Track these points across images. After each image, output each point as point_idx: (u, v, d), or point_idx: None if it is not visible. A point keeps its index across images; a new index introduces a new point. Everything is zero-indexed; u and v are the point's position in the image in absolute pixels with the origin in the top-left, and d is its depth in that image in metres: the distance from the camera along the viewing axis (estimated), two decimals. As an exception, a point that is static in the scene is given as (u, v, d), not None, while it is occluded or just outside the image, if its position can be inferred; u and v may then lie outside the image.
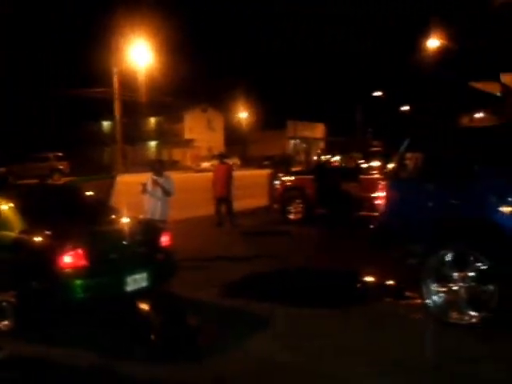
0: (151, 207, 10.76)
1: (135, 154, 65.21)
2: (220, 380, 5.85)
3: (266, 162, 47.89)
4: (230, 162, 16.61)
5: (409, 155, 8.41)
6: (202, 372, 6.07)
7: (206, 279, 9.71)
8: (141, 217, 9.53)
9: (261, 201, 19.57)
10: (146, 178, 11.05)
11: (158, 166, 11.19)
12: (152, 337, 7.34)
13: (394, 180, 8.16)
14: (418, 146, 8.29)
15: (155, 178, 10.86)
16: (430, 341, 6.89)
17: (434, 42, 32.80)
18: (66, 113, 62.18)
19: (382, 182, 8.39)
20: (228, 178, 15.67)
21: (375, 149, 18.55)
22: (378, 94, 65.71)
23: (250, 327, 7.42)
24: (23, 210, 7.79)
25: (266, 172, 21.99)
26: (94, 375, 6.09)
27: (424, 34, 33.15)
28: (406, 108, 69.84)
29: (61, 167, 42.47)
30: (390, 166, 8.70)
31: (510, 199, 6.95)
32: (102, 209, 8.78)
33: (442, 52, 32.99)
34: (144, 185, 10.79)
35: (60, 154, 44.06)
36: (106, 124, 71.21)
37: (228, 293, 9.09)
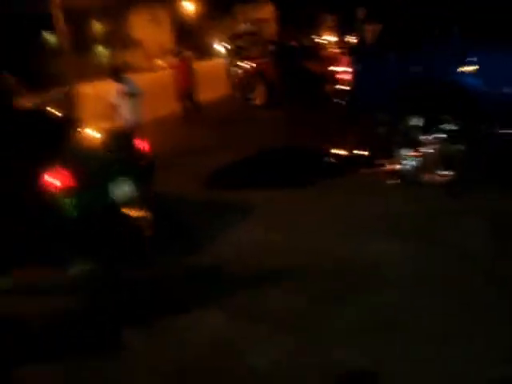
0: (126, 115, 10.76)
1: (85, 62, 63.48)
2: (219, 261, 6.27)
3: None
4: (185, 54, 16.32)
5: (368, 27, 8.48)
6: (201, 256, 6.44)
7: (184, 175, 9.92)
8: (111, 126, 9.57)
9: (222, 91, 19.51)
10: (108, 89, 10.88)
11: (116, 73, 11.10)
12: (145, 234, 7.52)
13: (357, 53, 8.27)
14: (377, 17, 8.35)
15: (119, 85, 10.80)
16: (411, 199, 7.28)
17: None
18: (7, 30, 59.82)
19: (346, 56, 8.49)
20: (189, 73, 15.62)
21: (330, 24, 18.43)
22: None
23: (235, 214, 7.78)
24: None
25: (221, 60, 21.76)
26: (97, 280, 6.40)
27: None
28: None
29: (15, 89, 41.38)
30: (350, 39, 8.74)
31: (469, 59, 7.12)
32: (72, 124, 8.78)
33: None
34: (114, 105, 10.74)
35: (6, 75, 42.81)
36: (50, 36, 68.84)
37: (207, 185, 9.37)
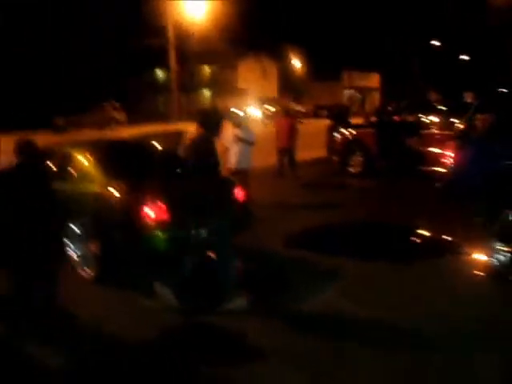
0: (234, 160, 10.99)
1: (189, 103, 65.51)
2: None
3: (320, 111, 47.70)
4: (299, 108, 16.74)
5: (479, 116, 8.47)
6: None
7: (270, 230, 10.02)
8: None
9: (319, 152, 19.70)
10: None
11: (237, 118, 11.41)
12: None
13: (463, 139, 8.28)
14: (489, 107, 8.35)
15: (235, 130, 11.04)
16: (497, 297, 7.08)
17: None
18: (122, 63, 62.58)
19: (451, 141, 8.50)
20: (291, 130, 15.91)
21: (435, 103, 18.38)
22: (435, 42, 64.25)
23: (315, 278, 7.76)
24: (103, 164, 8.20)
25: (323, 122, 22.03)
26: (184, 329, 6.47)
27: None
28: (465, 57, 68.11)
29: (117, 117, 42.98)
30: (460, 124, 8.74)
31: None
32: (175, 161, 9.09)
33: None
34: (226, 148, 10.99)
35: (116, 104, 44.56)
36: (160, 73, 71.49)
37: (291, 243, 9.42)
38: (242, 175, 10.62)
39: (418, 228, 9.89)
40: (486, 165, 7.85)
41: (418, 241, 9.37)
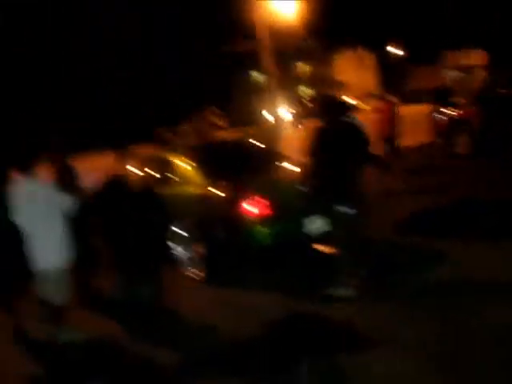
0: None
1: (288, 101, 65.73)
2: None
3: (423, 97, 46.52)
4: (390, 99, 16.17)
5: None
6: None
7: (378, 217, 9.74)
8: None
9: (424, 137, 19.14)
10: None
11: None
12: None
13: None
14: None
15: None
16: None
17: None
18: (217, 67, 63.61)
19: None
20: (393, 117, 15.49)
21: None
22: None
23: (425, 261, 7.58)
24: (203, 167, 8.29)
25: (426, 107, 21.39)
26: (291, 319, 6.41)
27: None
28: None
29: (219, 123, 43.46)
30: None
31: None
32: (275, 157, 9.09)
33: None
34: None
35: (216, 110, 45.18)
36: (255, 75, 72.14)
37: (401, 229, 9.18)
38: None
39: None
40: None
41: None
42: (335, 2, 54.67)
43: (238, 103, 65.18)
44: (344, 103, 6.96)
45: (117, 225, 6.21)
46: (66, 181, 7.32)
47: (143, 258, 6.13)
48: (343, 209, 6.50)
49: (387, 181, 13.36)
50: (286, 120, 12.20)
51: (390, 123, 15.39)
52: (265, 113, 42.84)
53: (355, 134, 6.69)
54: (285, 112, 33.45)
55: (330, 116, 6.70)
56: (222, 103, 50.11)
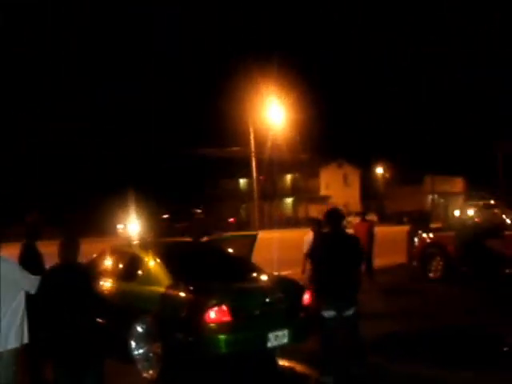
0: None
1: (271, 211, 66.37)
2: None
3: (404, 219, 47.17)
4: (369, 218, 16.46)
5: None
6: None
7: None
8: (280, 274, 9.65)
9: (399, 258, 19.23)
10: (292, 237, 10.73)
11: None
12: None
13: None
14: None
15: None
16: None
17: None
18: (205, 171, 64.58)
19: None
20: (369, 236, 15.56)
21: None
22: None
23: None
24: (168, 265, 8.21)
25: (404, 228, 21.64)
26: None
27: None
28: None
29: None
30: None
31: None
32: (243, 265, 9.03)
33: None
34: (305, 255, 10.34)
35: (199, 211, 45.57)
36: (242, 182, 73.16)
37: (372, 351, 8.99)
38: None
39: (506, 333, 9.36)
40: None
41: (507, 349, 8.81)
42: (327, 119, 56.39)
43: (222, 207, 65.76)
44: (343, 216, 7.99)
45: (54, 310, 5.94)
46: (32, 260, 7.20)
47: (79, 348, 5.85)
48: (349, 311, 7.27)
49: (360, 299, 13.33)
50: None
51: (367, 242, 15.46)
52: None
53: (356, 242, 7.97)
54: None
55: (334, 226, 7.65)
56: (207, 206, 50.70)
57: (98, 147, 55.80)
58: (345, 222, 8.72)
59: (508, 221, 15.39)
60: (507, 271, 13.51)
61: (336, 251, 7.38)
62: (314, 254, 7.87)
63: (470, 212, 17.56)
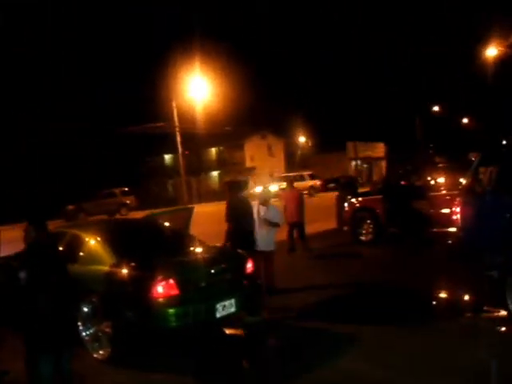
0: (261, 240, 10.44)
1: (199, 185, 66.31)
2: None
3: (330, 185, 47.95)
4: (311, 182, 16.73)
5: (482, 169, 8.47)
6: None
7: (284, 303, 9.93)
8: (221, 245, 9.76)
9: (330, 224, 19.67)
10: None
11: (264, 196, 11.12)
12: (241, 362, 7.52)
13: (469, 195, 8.26)
14: (491, 160, 8.37)
15: (261, 208, 10.75)
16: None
17: (493, 51, 32.08)
18: (129, 149, 63.71)
19: (458, 198, 8.48)
20: (299, 204, 15.83)
21: (440, 165, 18.46)
22: (436, 108, 65.11)
23: (332, 346, 7.65)
24: (110, 244, 8.22)
25: (329, 194, 22.10)
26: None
27: (482, 42, 32.51)
28: (466, 121, 69.01)
29: (128, 202, 43.27)
30: (464, 181, 8.74)
31: None
32: (183, 239, 9.12)
33: (502, 60, 32.18)
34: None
35: (126, 189, 44.98)
36: (167, 157, 72.65)
37: (306, 315, 9.29)
38: (265, 259, 10.35)
39: (434, 289, 9.79)
40: (498, 218, 7.78)
41: (435, 302, 9.24)
42: (249, 92, 56.38)
43: (149, 184, 65.15)
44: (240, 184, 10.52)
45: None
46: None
47: (61, 332, 5.86)
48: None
49: (294, 266, 13.66)
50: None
51: (297, 209, 15.73)
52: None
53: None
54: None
55: (231, 194, 10.15)
56: (134, 183, 50.08)
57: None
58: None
59: (432, 182, 15.96)
60: (434, 230, 14.04)
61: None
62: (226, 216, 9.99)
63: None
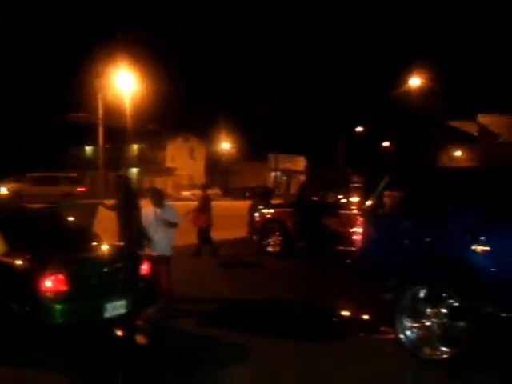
0: (155, 240, 9.85)
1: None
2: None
3: (247, 194, 48.13)
4: (211, 191, 16.77)
5: (387, 193, 8.63)
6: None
7: (183, 308, 9.80)
8: (121, 244, 9.52)
9: (241, 232, 19.67)
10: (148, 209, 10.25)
11: (157, 197, 10.28)
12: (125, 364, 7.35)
13: (371, 216, 8.38)
14: (397, 184, 8.53)
15: (157, 210, 10.05)
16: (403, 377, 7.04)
17: (416, 81, 33.89)
18: (52, 138, 62.25)
19: (360, 218, 8.60)
20: (207, 208, 15.83)
21: (356, 184, 18.81)
22: (359, 129, 66.55)
23: (226, 355, 7.56)
24: (5, 233, 7.90)
25: (246, 203, 22.11)
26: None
27: (407, 72, 33.81)
28: (387, 144, 70.89)
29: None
30: (368, 202, 8.87)
31: (482, 238, 7.16)
32: (83, 234, 8.86)
33: (423, 90, 33.67)
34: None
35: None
36: (88, 149, 71.18)
37: (204, 322, 9.20)
38: (163, 263, 9.75)
39: (333, 307, 9.89)
40: (395, 242, 7.92)
41: (330, 319, 9.33)
42: (175, 90, 56.01)
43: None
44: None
45: None
46: None
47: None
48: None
49: (198, 272, 13.54)
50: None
51: (206, 214, 15.72)
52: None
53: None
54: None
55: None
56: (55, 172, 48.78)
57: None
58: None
59: (345, 200, 16.19)
60: (340, 248, 14.22)
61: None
62: None
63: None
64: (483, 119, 36.55)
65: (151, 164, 68.91)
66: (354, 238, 8.78)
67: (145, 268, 8.25)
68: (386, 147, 71.18)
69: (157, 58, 47.11)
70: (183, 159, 71.13)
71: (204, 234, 15.89)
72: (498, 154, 30.59)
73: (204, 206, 15.90)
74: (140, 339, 8.01)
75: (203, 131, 70.05)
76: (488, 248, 7.11)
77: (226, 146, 76.15)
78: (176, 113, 60.30)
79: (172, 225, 10.02)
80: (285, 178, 78.31)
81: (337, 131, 65.11)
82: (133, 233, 9.60)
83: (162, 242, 9.81)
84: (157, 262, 9.25)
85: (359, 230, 8.42)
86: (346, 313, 9.93)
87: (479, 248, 7.15)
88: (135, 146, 71.95)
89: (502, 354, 7.49)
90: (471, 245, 7.21)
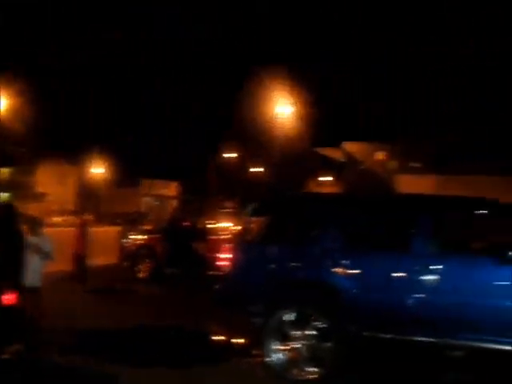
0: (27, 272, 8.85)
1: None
2: None
3: (118, 220, 47.40)
4: (84, 217, 16.54)
5: (255, 218, 8.80)
6: None
7: (48, 338, 9.44)
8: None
9: (112, 258, 19.37)
10: None
11: (32, 224, 9.56)
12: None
13: (238, 242, 8.51)
14: (264, 210, 8.72)
15: (30, 238, 9.20)
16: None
17: (281, 108, 32.39)
18: None
19: (227, 244, 8.72)
20: (84, 235, 15.66)
21: (226, 210, 19.10)
22: (230, 155, 67.23)
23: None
24: None
25: (117, 229, 21.87)
26: None
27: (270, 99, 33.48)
28: (257, 170, 72.05)
29: None
30: (236, 228, 9.04)
31: (342, 262, 7.48)
32: None
33: (290, 118, 33.36)
34: None
35: None
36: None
37: (68, 351, 8.94)
38: (34, 295, 9.03)
39: (203, 332, 9.92)
40: (263, 267, 8.08)
41: (203, 345, 9.35)
42: (44, 113, 54.39)
43: None
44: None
45: None
46: None
47: None
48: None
49: (68, 299, 13.17)
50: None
51: (80, 241, 15.51)
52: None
53: None
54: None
55: None
56: None
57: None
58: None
59: (215, 226, 16.39)
60: (210, 273, 14.29)
61: None
62: None
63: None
64: (348, 146, 38.05)
65: (22, 189, 66.38)
66: (219, 263, 8.88)
67: (6, 298, 7.86)
68: (257, 172, 72.35)
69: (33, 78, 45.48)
70: (54, 184, 69.08)
71: (79, 260, 15.65)
72: (362, 181, 31.97)
73: (82, 233, 15.73)
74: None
75: (75, 156, 68.38)
76: (348, 271, 7.44)
77: (98, 171, 74.66)
78: (48, 136, 58.60)
79: (47, 256, 9.45)
80: (157, 203, 77.80)
81: (207, 157, 65.53)
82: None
83: (33, 271, 9.27)
84: (26, 291, 8.76)
85: (225, 255, 8.52)
86: (218, 337, 9.94)
87: (340, 271, 7.47)
88: (5, 170, 69.12)
89: (367, 371, 7.81)
90: (333, 268, 7.51)
